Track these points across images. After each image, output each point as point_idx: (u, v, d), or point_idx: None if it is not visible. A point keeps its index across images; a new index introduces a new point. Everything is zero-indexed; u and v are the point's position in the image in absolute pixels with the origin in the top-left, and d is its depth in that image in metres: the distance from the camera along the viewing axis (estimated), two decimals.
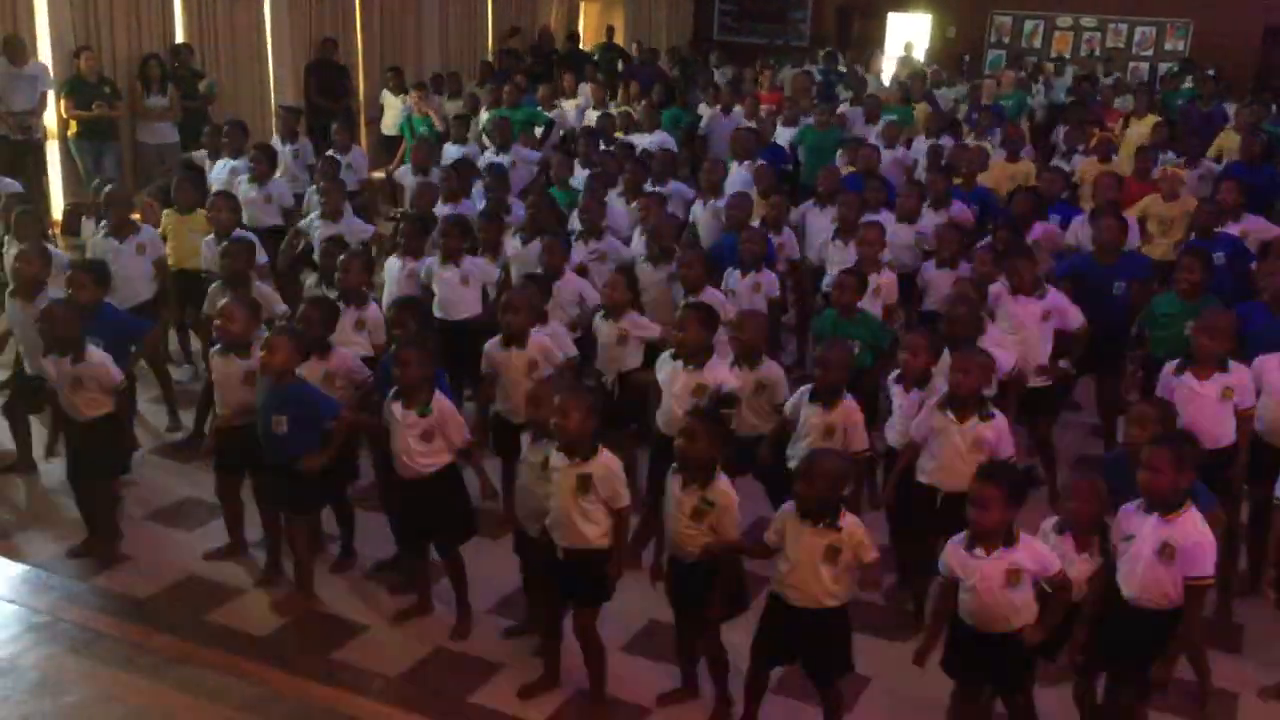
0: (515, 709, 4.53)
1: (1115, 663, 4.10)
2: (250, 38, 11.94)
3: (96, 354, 5.29)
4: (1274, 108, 12.72)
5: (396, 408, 4.76)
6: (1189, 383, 5.08)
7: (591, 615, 4.42)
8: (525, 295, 5.51)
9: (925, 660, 4.09)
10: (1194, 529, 3.88)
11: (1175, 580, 3.88)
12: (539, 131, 11.06)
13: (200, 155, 9.56)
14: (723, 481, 4.19)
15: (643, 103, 11.80)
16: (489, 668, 4.79)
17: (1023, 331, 5.98)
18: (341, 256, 6.14)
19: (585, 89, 12.77)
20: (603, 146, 9.69)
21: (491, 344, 5.44)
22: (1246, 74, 16.00)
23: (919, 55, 17.48)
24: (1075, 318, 6.11)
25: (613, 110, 11.77)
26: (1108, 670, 4.17)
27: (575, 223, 7.61)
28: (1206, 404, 4.99)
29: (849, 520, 3.98)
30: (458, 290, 6.60)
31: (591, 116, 11.67)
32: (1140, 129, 10.85)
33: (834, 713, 4.25)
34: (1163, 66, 16.90)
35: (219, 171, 8.85)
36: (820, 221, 7.89)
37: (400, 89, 12.31)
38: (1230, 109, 12.30)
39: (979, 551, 3.87)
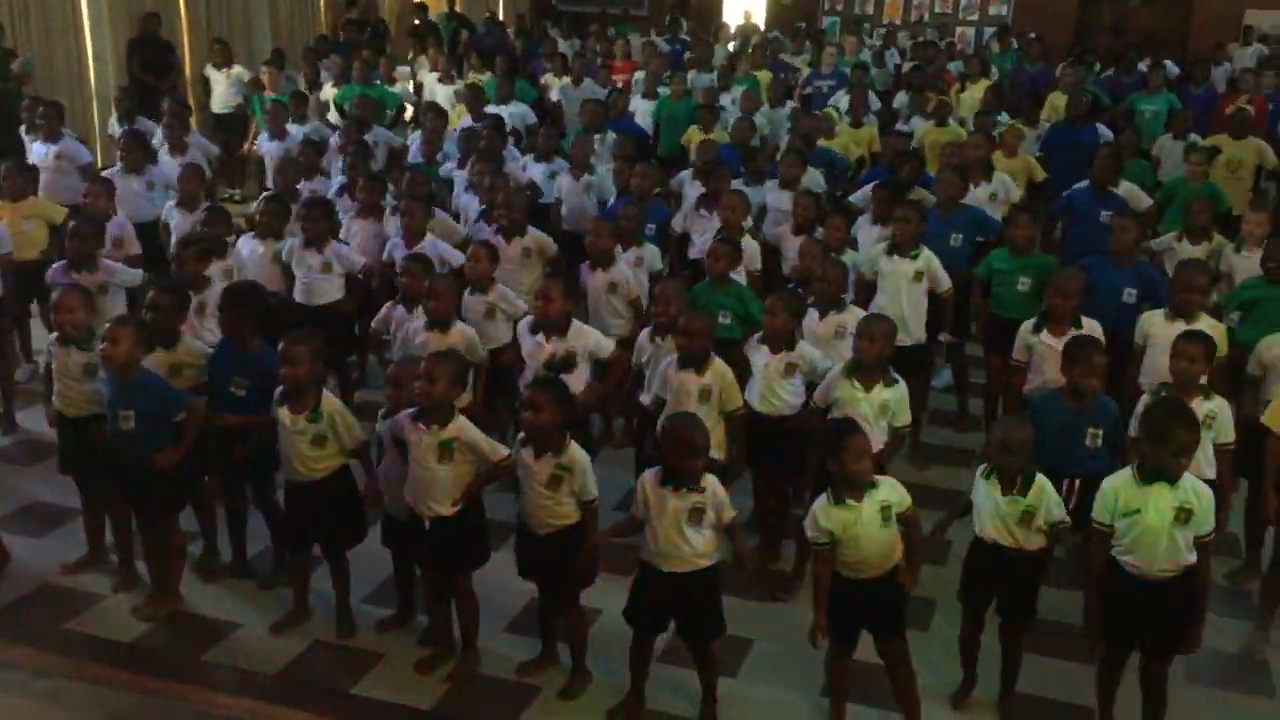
0: (399, 697, 4.47)
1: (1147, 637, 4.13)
2: (64, 13, 11.29)
3: None
4: (1095, 68, 13.28)
5: (284, 412, 4.56)
6: (1047, 340, 5.30)
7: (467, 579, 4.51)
8: (449, 281, 5.60)
9: (823, 635, 4.15)
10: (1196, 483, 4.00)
11: (1188, 542, 3.98)
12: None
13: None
14: (574, 445, 4.23)
15: (487, 74, 11.62)
16: (369, 659, 4.70)
17: (896, 291, 6.16)
18: (175, 242, 5.95)
19: (425, 60, 12.53)
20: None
21: (415, 326, 5.49)
22: (1066, 35, 16.70)
23: (757, 23, 17.71)
24: (944, 281, 6.28)
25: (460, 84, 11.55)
26: (1142, 647, 4.17)
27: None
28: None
29: (710, 481, 4.05)
30: (320, 276, 6.45)
31: (441, 90, 11.38)
32: (974, 93, 11.18)
33: (711, 675, 4.32)
34: (987, 31, 17.50)
35: (38, 154, 8.34)
36: (698, 192, 7.83)
37: (226, 63, 11.84)
38: (1056, 71, 12.81)
39: (850, 500, 3.98)
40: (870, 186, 7.43)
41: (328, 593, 4.92)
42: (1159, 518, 3.89)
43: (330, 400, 4.61)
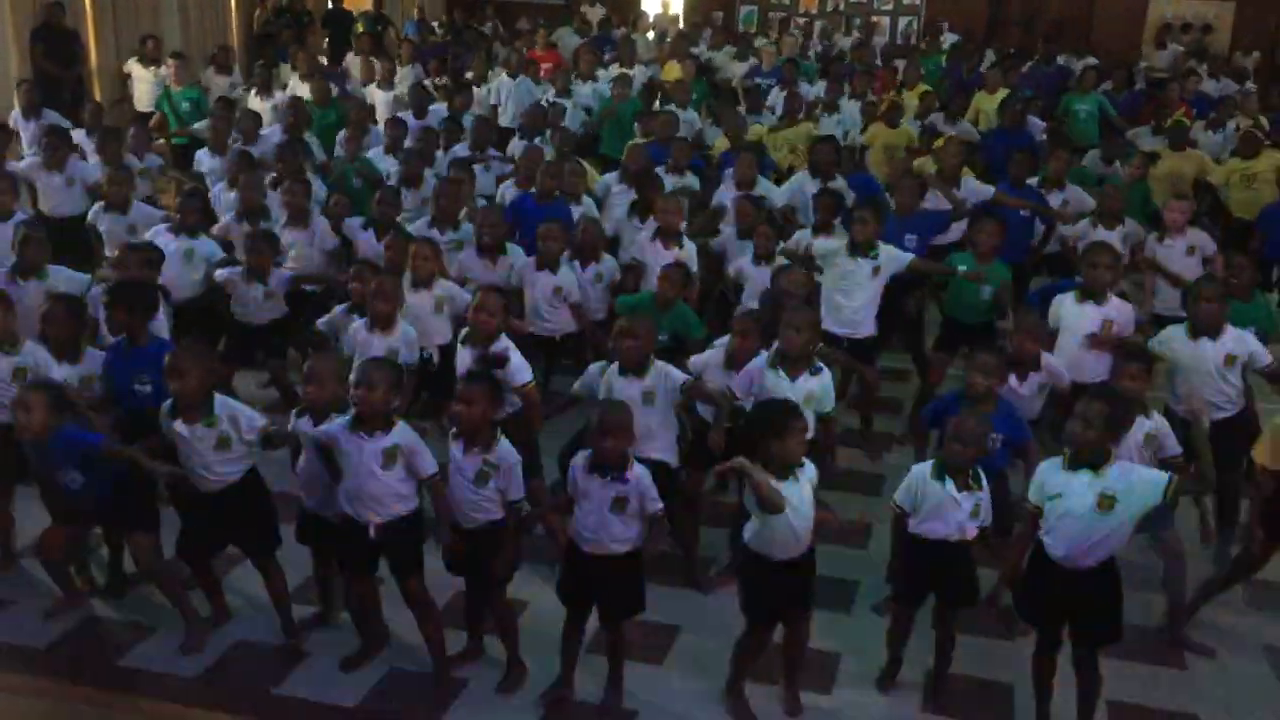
0: (323, 696, 4.42)
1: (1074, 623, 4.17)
2: None
3: None
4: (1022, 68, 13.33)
5: (179, 425, 4.41)
6: (1013, 385, 5.16)
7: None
8: (393, 284, 5.56)
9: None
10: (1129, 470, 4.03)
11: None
12: None
13: None
14: (503, 443, 4.22)
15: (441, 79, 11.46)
16: (291, 658, 4.64)
17: (855, 289, 6.25)
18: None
19: (354, 62, 12.21)
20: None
21: (357, 325, 5.49)
22: (978, 27, 16.99)
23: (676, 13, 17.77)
24: (904, 259, 6.36)
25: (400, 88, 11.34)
26: (1075, 629, 4.18)
27: None
28: (1024, 403, 5.15)
29: (636, 471, 4.08)
30: (183, 266, 6.42)
31: (380, 95, 11.08)
32: (910, 98, 11.22)
33: (618, 652, 4.37)
34: (903, 20, 17.76)
35: None
36: (626, 199, 7.80)
37: (155, 60, 11.43)
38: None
39: (788, 481, 4.01)
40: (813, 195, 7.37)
41: (247, 592, 4.85)
42: (1080, 504, 3.97)
43: (224, 401, 4.47)
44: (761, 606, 4.22)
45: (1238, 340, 5.26)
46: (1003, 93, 10.84)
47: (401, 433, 4.23)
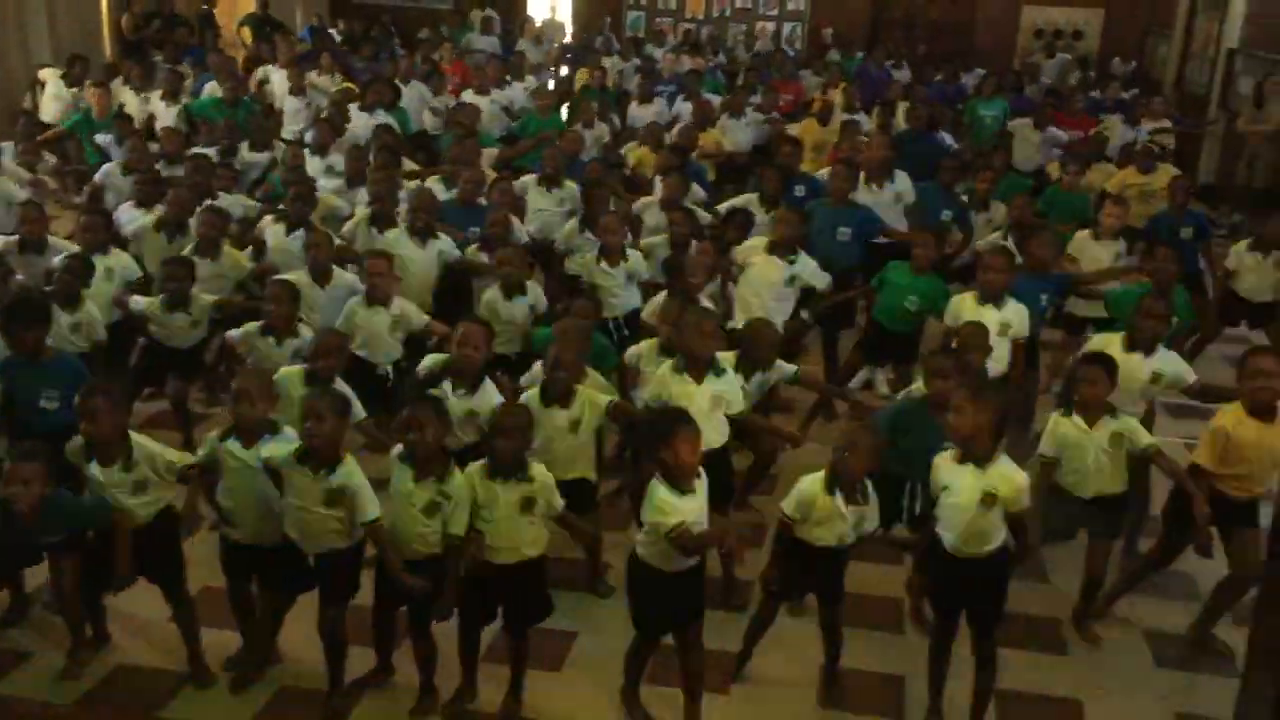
0: (210, 717, 4.30)
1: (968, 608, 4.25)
2: None
3: None
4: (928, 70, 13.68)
5: (94, 468, 4.19)
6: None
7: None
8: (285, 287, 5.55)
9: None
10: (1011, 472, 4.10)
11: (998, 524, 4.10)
12: None
13: None
14: (459, 474, 4.11)
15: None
16: (177, 680, 4.49)
17: (765, 288, 6.31)
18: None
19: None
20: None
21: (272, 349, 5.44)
22: (860, 30, 17.31)
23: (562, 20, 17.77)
24: (823, 280, 6.50)
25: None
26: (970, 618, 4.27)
27: None
28: None
29: (538, 470, 4.08)
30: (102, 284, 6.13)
31: (290, 103, 10.74)
32: (834, 95, 11.42)
33: (521, 662, 4.33)
34: (787, 26, 18.00)
35: None
36: (543, 202, 7.76)
37: (78, 83, 10.86)
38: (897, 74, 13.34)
39: (686, 489, 3.97)
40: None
41: (125, 612, 4.71)
42: (966, 497, 4.06)
43: (140, 441, 4.26)
44: (652, 620, 4.19)
45: (1166, 359, 5.29)
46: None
47: (348, 473, 4.05)
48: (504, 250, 6.26)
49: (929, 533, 4.27)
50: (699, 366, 4.87)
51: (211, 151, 8.48)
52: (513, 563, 4.09)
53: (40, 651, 4.61)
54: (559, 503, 4.13)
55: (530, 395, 4.82)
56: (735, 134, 10.35)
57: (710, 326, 4.97)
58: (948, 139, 10.24)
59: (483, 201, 7.34)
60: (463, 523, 4.08)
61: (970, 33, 17.50)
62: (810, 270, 6.47)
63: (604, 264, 6.58)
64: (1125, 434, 4.69)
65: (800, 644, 4.71)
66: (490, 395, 4.90)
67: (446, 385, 4.89)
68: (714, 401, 4.82)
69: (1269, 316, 7.34)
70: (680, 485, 3.92)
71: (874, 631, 4.94)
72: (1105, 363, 4.78)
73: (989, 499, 4.03)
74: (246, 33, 14.95)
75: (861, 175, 7.68)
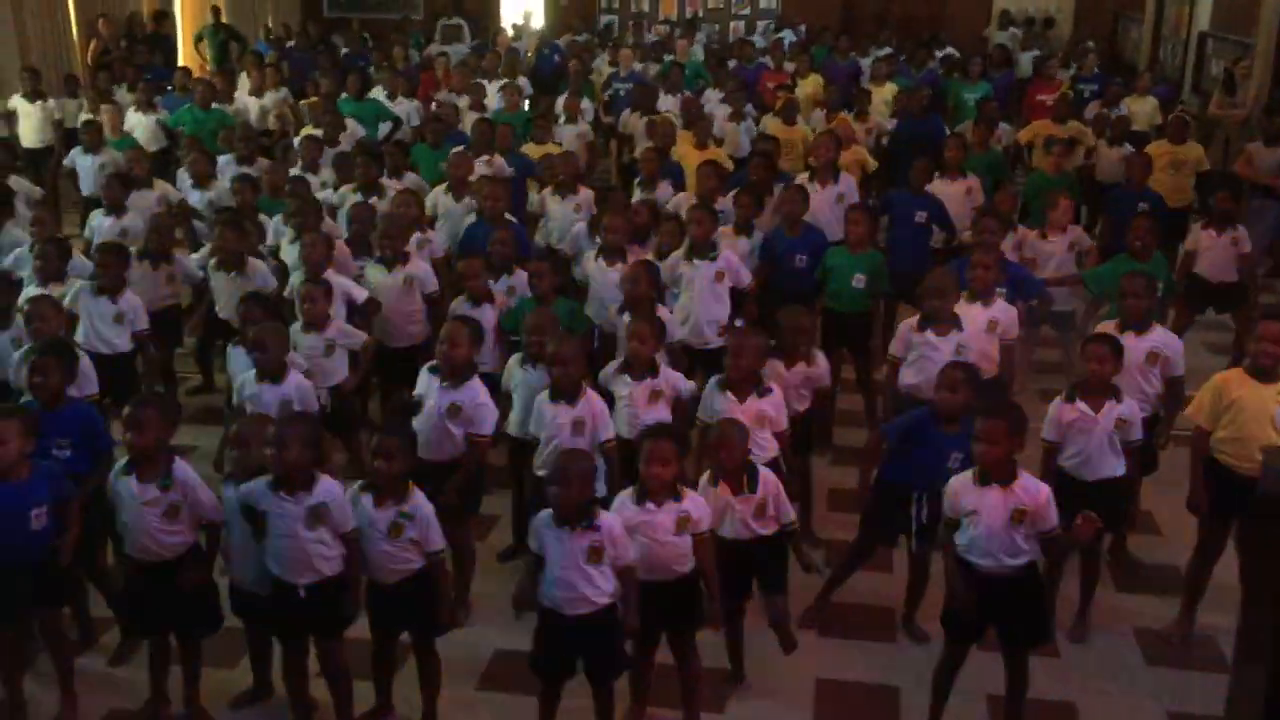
0: None
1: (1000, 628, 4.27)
2: None
3: None
4: (901, 58, 13.58)
5: (130, 482, 4.17)
6: (930, 338, 5.46)
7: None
8: (275, 329, 5.31)
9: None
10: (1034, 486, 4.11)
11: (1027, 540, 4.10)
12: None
13: None
14: (416, 493, 4.14)
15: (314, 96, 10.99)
16: None
17: (694, 291, 6.26)
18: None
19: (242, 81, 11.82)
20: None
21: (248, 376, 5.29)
22: (832, 23, 17.32)
23: (536, 24, 17.75)
24: (745, 276, 6.44)
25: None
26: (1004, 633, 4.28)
27: None
28: (946, 359, 5.20)
29: (605, 518, 3.98)
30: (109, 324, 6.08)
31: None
32: (805, 88, 11.44)
33: (608, 713, 4.22)
34: (760, 24, 18.02)
35: None
36: (561, 209, 7.66)
37: (37, 94, 10.89)
38: (864, 62, 13.28)
39: (650, 505, 4.04)
40: (732, 194, 7.30)
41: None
42: (997, 518, 4.07)
43: (182, 468, 4.23)
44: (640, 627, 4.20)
45: (1165, 340, 5.34)
46: (891, 86, 11.24)
47: (325, 490, 4.08)
48: (470, 262, 6.19)
49: (954, 556, 4.23)
50: (740, 386, 4.88)
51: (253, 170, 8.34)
52: (584, 613, 3.97)
53: (33, 705, 4.52)
54: (631, 555, 3.99)
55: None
56: (735, 138, 10.03)
57: (756, 346, 4.94)
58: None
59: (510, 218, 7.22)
60: (436, 539, 4.14)
61: (940, 25, 17.54)
62: (733, 266, 6.36)
63: (601, 262, 6.50)
64: (1128, 421, 4.77)
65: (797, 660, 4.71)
66: (475, 391, 4.92)
67: (435, 380, 4.95)
68: (757, 419, 4.80)
69: (1236, 300, 7.41)
70: (648, 498, 4.02)
71: (867, 643, 4.97)
72: (1110, 342, 4.83)
73: (1019, 515, 4.06)
74: (205, 47, 14.88)
75: (808, 174, 7.81)
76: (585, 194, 7.75)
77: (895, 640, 5.01)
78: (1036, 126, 9.95)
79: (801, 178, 7.82)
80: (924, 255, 7.41)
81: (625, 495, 4.14)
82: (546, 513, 3.99)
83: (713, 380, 5.02)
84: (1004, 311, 5.80)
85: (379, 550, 4.13)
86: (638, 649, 4.29)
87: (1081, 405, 4.77)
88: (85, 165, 9.19)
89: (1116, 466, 4.80)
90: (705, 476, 4.41)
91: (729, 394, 4.87)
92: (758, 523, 4.34)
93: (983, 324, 5.67)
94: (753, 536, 4.36)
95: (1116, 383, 4.84)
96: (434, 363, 5.04)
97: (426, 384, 5.01)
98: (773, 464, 4.71)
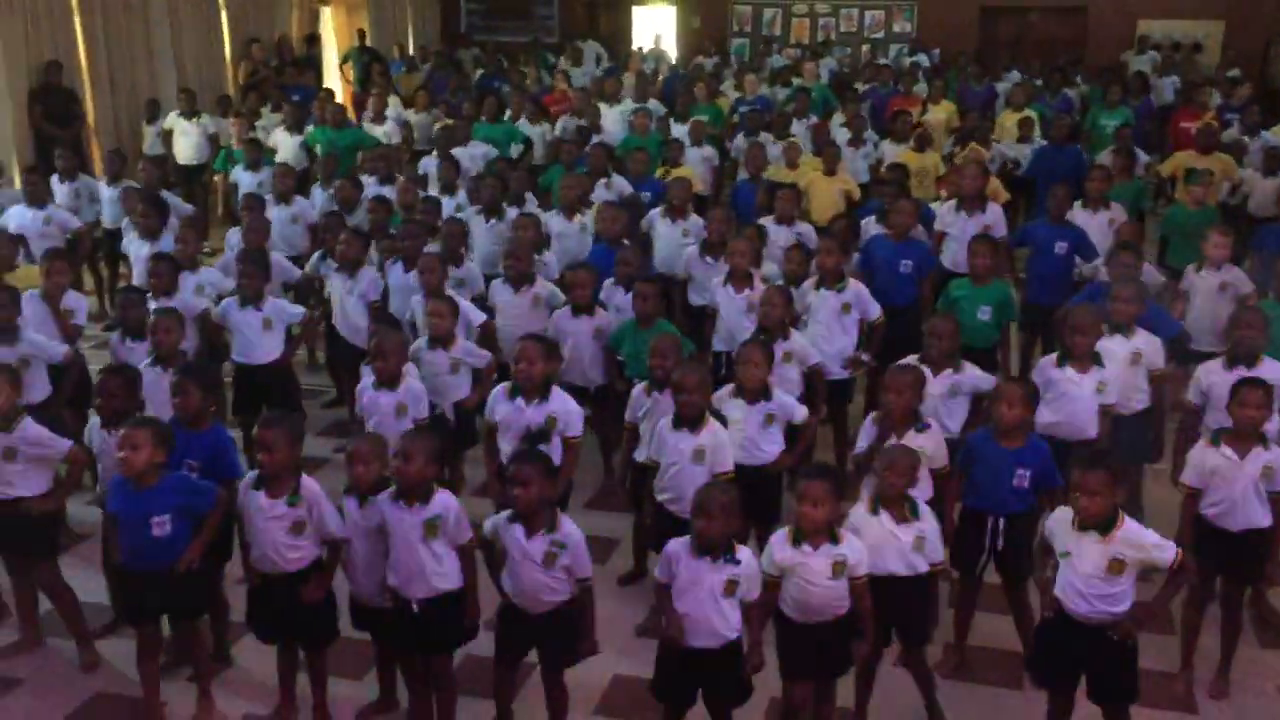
0: None
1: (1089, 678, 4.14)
2: None
3: None
4: (1038, 83, 13.40)
5: (259, 497, 4.27)
6: (1070, 375, 5.29)
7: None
8: (397, 340, 5.45)
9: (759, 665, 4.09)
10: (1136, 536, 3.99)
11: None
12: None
13: None
14: (566, 521, 4.13)
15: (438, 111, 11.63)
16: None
17: (819, 321, 6.23)
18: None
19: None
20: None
21: (364, 384, 5.48)
22: (969, 49, 17.04)
23: (667, 47, 17.91)
24: (874, 309, 6.35)
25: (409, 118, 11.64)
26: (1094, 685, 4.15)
27: None
28: (1087, 397, 5.24)
29: (745, 554, 3.95)
30: (259, 333, 6.35)
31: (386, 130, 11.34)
32: (938, 114, 11.33)
33: None
34: (893, 48, 17.84)
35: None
36: (670, 232, 7.71)
37: (193, 112, 11.56)
38: (1000, 88, 13.09)
39: (806, 547, 3.97)
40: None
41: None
42: (1092, 566, 3.95)
43: (309, 484, 4.31)
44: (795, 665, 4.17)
45: (1148, 341, 5.53)
46: (1011, 113, 11.07)
47: (441, 502, 4.16)
48: (577, 272, 6.27)
49: (1050, 587, 4.11)
50: (902, 423, 4.78)
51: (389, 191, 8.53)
52: (712, 646, 3.94)
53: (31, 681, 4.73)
54: (760, 589, 3.97)
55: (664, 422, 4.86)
56: (854, 163, 10.02)
57: (910, 382, 4.82)
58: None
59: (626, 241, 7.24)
60: (586, 567, 4.11)
61: (1083, 47, 17.12)
62: (862, 298, 6.30)
63: (730, 288, 6.43)
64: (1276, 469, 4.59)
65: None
66: (564, 400, 5.04)
67: (519, 400, 4.99)
68: None
69: None
70: (804, 540, 4.01)
71: (997, 689, 4.82)
72: (1266, 389, 4.58)
73: (1117, 565, 3.92)
74: (349, 69, 15.40)
75: (955, 202, 7.71)
76: (695, 219, 7.74)
77: (1022, 688, 4.84)
78: (1179, 158, 9.64)
79: (947, 206, 7.74)
80: (1065, 287, 7.18)
81: (782, 534, 4.06)
82: (684, 540, 3.96)
83: (869, 418, 4.88)
84: (1148, 342, 5.60)
85: (533, 580, 4.09)
86: (788, 689, 4.20)
87: (1226, 450, 4.59)
88: (246, 181, 9.57)
89: (1262, 516, 4.59)
90: (864, 505, 4.29)
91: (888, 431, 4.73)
92: (916, 556, 4.21)
93: (1126, 357, 5.51)
94: (909, 572, 4.21)
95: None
96: (507, 384, 5.08)
97: (507, 409, 5.03)
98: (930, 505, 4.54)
